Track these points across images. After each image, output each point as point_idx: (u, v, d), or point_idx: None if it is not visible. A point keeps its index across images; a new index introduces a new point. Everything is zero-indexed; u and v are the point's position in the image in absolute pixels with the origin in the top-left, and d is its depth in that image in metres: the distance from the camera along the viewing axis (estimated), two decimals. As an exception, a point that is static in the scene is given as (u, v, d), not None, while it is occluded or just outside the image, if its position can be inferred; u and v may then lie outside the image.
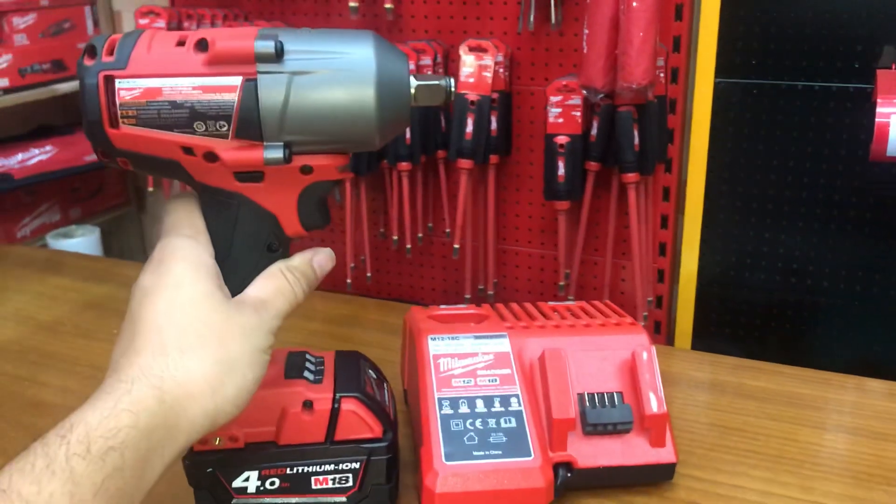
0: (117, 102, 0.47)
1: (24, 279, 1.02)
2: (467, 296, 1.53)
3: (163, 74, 0.47)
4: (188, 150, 0.48)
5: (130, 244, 2.13)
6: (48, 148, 1.90)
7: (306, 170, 0.50)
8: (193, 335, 0.45)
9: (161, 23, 1.46)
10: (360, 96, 0.48)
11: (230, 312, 0.47)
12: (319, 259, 0.54)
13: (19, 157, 1.85)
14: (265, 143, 0.49)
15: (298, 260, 0.53)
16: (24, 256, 1.16)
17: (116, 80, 0.47)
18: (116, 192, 2.13)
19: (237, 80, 0.47)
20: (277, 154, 0.49)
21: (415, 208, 1.53)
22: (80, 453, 0.39)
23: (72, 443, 0.39)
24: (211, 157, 0.49)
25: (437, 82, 0.51)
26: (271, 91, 0.48)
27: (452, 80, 0.52)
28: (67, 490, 0.38)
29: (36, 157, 1.88)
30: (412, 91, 0.51)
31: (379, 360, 0.63)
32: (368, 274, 1.59)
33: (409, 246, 1.53)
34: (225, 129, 0.48)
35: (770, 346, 1.44)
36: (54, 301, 0.95)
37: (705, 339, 1.47)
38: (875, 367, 1.39)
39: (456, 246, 1.47)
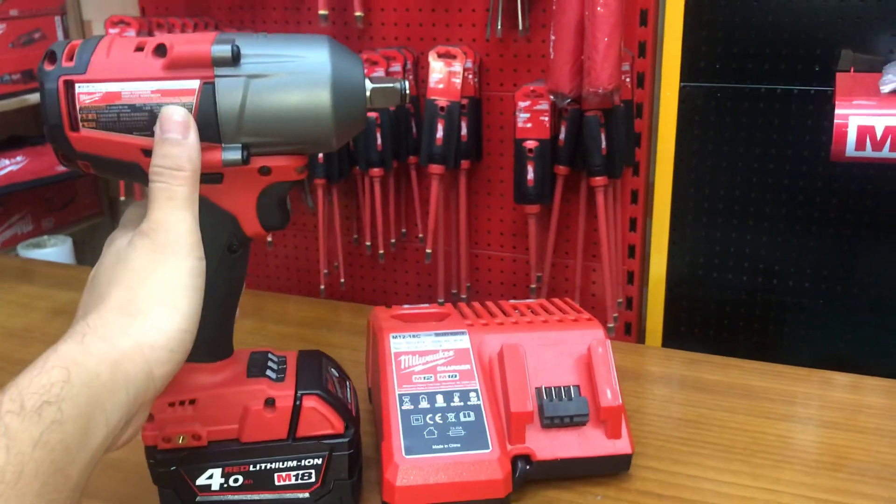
0: (77, 106, 0.48)
1: (-6, 288, 1.02)
2: (440, 300, 1.55)
3: (122, 79, 0.49)
4: (148, 152, 0.49)
5: (104, 254, 2.13)
6: (19, 158, 1.89)
7: (265, 171, 0.52)
8: (110, 296, 0.47)
9: (131, 32, 1.46)
10: (315, 98, 0.50)
11: (130, 257, 0.48)
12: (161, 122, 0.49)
13: (-10, 167, 1.85)
14: (223, 145, 0.50)
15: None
16: (-6, 265, 1.16)
17: (76, 85, 0.48)
18: (89, 202, 2.12)
19: (195, 84, 0.49)
20: (236, 155, 0.50)
21: (387, 214, 1.54)
22: (14, 410, 0.39)
23: (4, 402, 0.39)
24: (170, 159, 0.50)
25: (391, 85, 0.53)
26: (229, 94, 0.49)
27: (407, 83, 0.53)
28: (3, 444, 0.37)
29: (7, 167, 1.87)
30: (367, 93, 0.52)
31: (348, 361, 0.64)
32: (342, 280, 1.60)
33: (381, 251, 1.54)
34: (184, 131, 0.49)
35: (739, 345, 1.47)
36: (24, 309, 0.95)
37: (675, 339, 1.49)
38: (841, 364, 1.41)
39: (428, 251, 1.48)
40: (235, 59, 0.49)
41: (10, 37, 1.84)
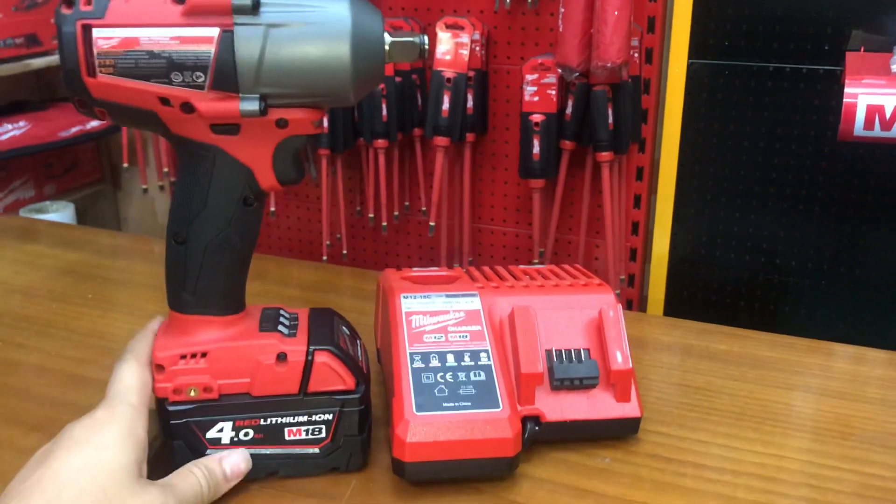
0: (95, 51, 0.48)
1: (-1, 247, 1.02)
2: (442, 273, 1.55)
3: (140, 24, 0.48)
4: (165, 100, 0.49)
5: (105, 220, 2.12)
6: (21, 123, 1.88)
7: (282, 123, 0.51)
8: (90, 500, 0.46)
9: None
10: (335, 50, 0.49)
11: (135, 489, 0.48)
12: (231, 460, 0.55)
13: (-8, 131, 1.84)
14: (241, 95, 0.49)
15: (209, 458, 0.54)
16: (-2, 226, 1.15)
17: (94, 29, 0.48)
18: (91, 168, 2.12)
19: (214, 32, 0.48)
20: (253, 106, 0.49)
21: (391, 186, 1.54)
22: None
23: None
24: (187, 107, 0.49)
25: (411, 39, 0.52)
26: (248, 43, 0.48)
27: (426, 38, 0.53)
28: None
29: (9, 132, 1.86)
30: (386, 47, 0.52)
31: (354, 324, 0.64)
32: (344, 251, 1.60)
33: (384, 224, 1.54)
34: (202, 80, 0.49)
35: (740, 323, 1.45)
36: (28, 267, 0.95)
37: (676, 316, 1.49)
38: (841, 343, 1.42)
39: (432, 224, 1.48)
40: (255, 7, 0.48)
41: (12, 1, 1.83)
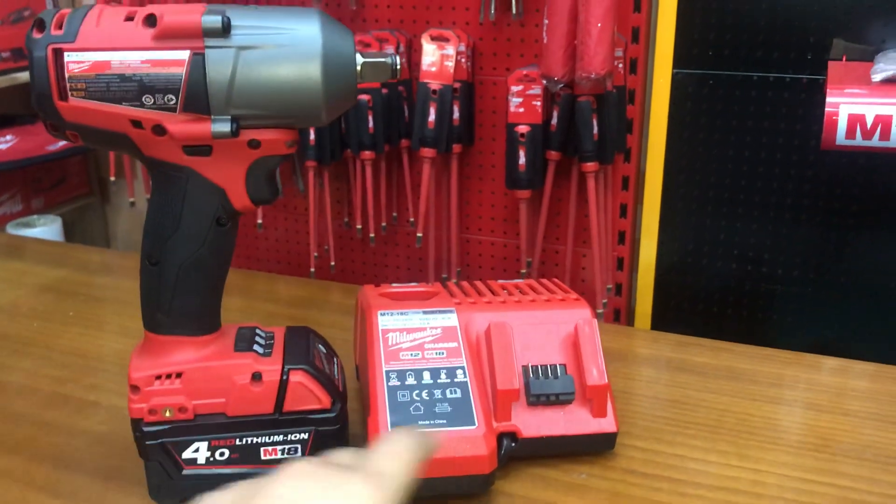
0: (66, 75, 0.48)
1: (-18, 264, 1.02)
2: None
3: (112, 48, 0.48)
4: (137, 123, 0.49)
5: (93, 234, 2.12)
6: (9, 137, 1.88)
7: (254, 144, 0.51)
8: None
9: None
10: (306, 71, 0.50)
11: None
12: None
13: (-21, 146, 1.84)
14: (213, 117, 0.50)
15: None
16: (-18, 243, 1.15)
17: (65, 53, 0.48)
18: (79, 182, 2.11)
19: (185, 55, 0.48)
20: (225, 127, 0.50)
21: (378, 197, 1.54)
22: None
23: None
24: (159, 130, 0.50)
25: (382, 59, 0.53)
26: (218, 65, 0.49)
27: (398, 58, 0.53)
28: None
29: (-3, 146, 1.87)
30: (358, 67, 0.52)
31: (337, 340, 0.64)
32: (332, 263, 1.60)
33: (372, 235, 1.54)
34: (173, 102, 0.49)
35: (727, 332, 1.47)
36: (11, 284, 0.95)
37: (664, 325, 1.50)
38: (828, 351, 1.43)
39: (419, 235, 1.48)
40: (226, 30, 0.48)
41: (-1, 14, 1.83)
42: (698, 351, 0.77)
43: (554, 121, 1.37)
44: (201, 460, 0.56)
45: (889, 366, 0.75)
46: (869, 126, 1.14)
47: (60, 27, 0.49)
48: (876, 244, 1.36)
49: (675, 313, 1.50)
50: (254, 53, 0.49)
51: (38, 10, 1.91)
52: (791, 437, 0.63)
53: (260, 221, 1.63)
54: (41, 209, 2.01)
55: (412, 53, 1.49)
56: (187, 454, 0.56)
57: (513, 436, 0.59)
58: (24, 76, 1.85)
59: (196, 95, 0.49)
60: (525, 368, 0.60)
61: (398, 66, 0.53)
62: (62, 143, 1.93)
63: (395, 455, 0.41)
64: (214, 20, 0.48)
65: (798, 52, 1.31)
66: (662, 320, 1.50)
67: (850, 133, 1.16)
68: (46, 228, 1.86)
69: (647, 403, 0.68)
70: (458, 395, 0.57)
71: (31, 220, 1.90)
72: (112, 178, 1.65)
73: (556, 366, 0.61)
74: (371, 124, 1.43)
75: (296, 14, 0.50)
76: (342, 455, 0.41)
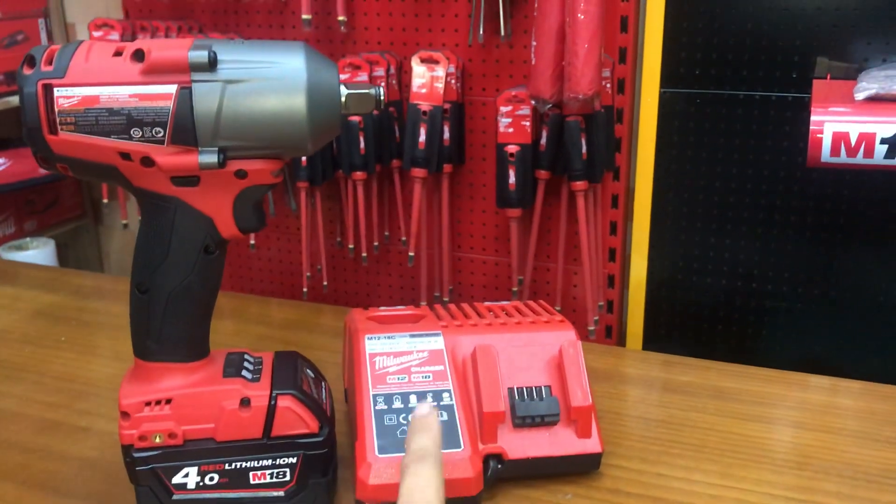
0: (56, 110, 0.49)
1: (-25, 289, 1.02)
2: (423, 303, 1.56)
3: (100, 83, 0.49)
4: (125, 155, 0.50)
5: (87, 256, 2.13)
6: (2, 160, 1.89)
7: (241, 174, 0.53)
8: None
9: (115, 35, 1.47)
10: (291, 104, 0.51)
11: None
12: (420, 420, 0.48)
13: (-27, 168, 1.85)
14: (200, 149, 0.51)
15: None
16: (-24, 267, 1.16)
17: (55, 89, 0.49)
18: (72, 204, 2.12)
19: (172, 88, 0.50)
20: (212, 159, 0.51)
21: (370, 217, 1.55)
22: None
23: None
24: (148, 161, 0.51)
25: (366, 91, 0.54)
26: (205, 99, 0.50)
27: (381, 89, 0.55)
28: None
29: (-10, 169, 1.87)
30: (342, 99, 0.53)
31: (328, 363, 0.65)
32: (325, 283, 1.61)
33: (364, 254, 1.55)
34: (161, 135, 0.50)
35: (718, 347, 1.48)
36: (3, 310, 0.95)
37: (656, 342, 1.51)
38: (818, 366, 1.43)
39: (411, 254, 1.49)
40: (212, 64, 0.50)
41: (-7, 38, 1.84)
42: (683, 370, 0.78)
43: (543, 140, 1.38)
44: (191, 485, 0.57)
45: (875, 384, 0.76)
46: (853, 143, 1.16)
47: (50, 63, 0.50)
48: (864, 259, 1.37)
49: (667, 329, 1.51)
50: (240, 87, 0.50)
51: (31, 35, 1.93)
52: (775, 456, 0.64)
53: (253, 242, 1.64)
54: (34, 231, 2.02)
55: (402, 75, 1.50)
56: (177, 479, 0.56)
57: (499, 457, 0.60)
58: (17, 100, 1.86)
59: (183, 128, 0.50)
60: (511, 390, 0.61)
61: (382, 98, 0.54)
62: (56, 165, 1.94)
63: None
64: (201, 55, 0.49)
65: (783, 70, 1.33)
66: (654, 336, 1.51)
67: (835, 151, 1.18)
68: (40, 251, 1.87)
69: (633, 423, 0.69)
70: (445, 417, 0.58)
71: (25, 243, 1.90)
72: (105, 200, 1.66)
73: (541, 387, 0.61)
74: (362, 145, 1.45)
75: (281, 48, 0.52)
76: None
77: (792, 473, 0.62)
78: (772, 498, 0.59)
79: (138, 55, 0.50)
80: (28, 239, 1.93)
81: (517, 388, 0.61)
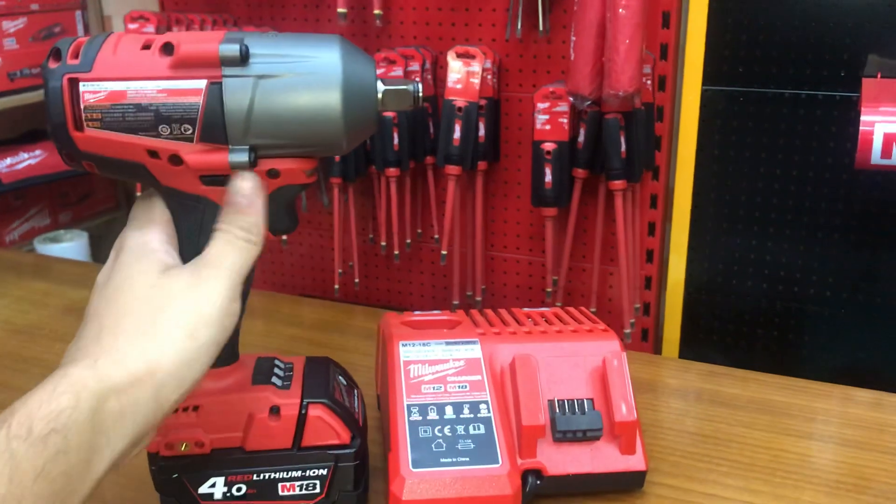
0: (82, 105, 0.47)
1: (7, 284, 1.02)
2: (455, 302, 1.53)
3: (128, 77, 0.47)
4: (153, 153, 0.48)
5: (120, 249, 2.13)
6: (37, 152, 1.90)
7: (273, 174, 0.50)
8: (128, 317, 0.45)
9: (150, 28, 1.46)
10: (326, 100, 0.48)
11: (163, 282, 0.46)
12: (238, 186, 0.49)
13: (8, 161, 1.85)
14: (230, 147, 0.48)
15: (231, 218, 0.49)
16: (9, 261, 1.15)
17: (81, 83, 0.47)
18: (106, 196, 2.13)
19: (202, 84, 0.47)
20: (243, 157, 0.48)
21: (403, 214, 1.53)
22: (22, 435, 0.38)
23: (13, 426, 0.38)
24: (176, 160, 0.49)
25: (404, 87, 0.51)
26: (236, 94, 0.47)
27: (420, 85, 0.52)
28: (6, 472, 0.37)
29: (25, 161, 1.88)
30: (379, 95, 0.50)
31: (360, 366, 0.63)
32: (356, 280, 1.59)
33: (397, 252, 1.53)
34: (190, 132, 0.48)
35: (757, 353, 1.44)
36: (34, 306, 0.94)
37: (693, 346, 1.47)
38: (861, 374, 1.39)
39: (444, 252, 1.47)
40: (244, 58, 0.47)
41: (30, 31, 1.84)
42: (728, 381, 0.74)
43: (581, 138, 1.35)
44: (218, 495, 0.55)
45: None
46: (906, 145, 1.11)
47: (77, 56, 0.48)
48: (912, 265, 1.32)
49: (704, 333, 1.47)
50: (272, 82, 0.48)
51: (68, 27, 1.93)
52: (829, 476, 0.61)
53: (285, 238, 1.63)
54: (68, 223, 2.03)
55: (438, 70, 1.48)
56: (203, 489, 0.54)
57: (538, 473, 0.57)
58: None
59: (213, 125, 0.48)
60: (551, 403, 0.58)
61: (420, 94, 0.52)
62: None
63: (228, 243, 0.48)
64: (232, 49, 0.47)
65: (831, 68, 1.29)
66: (691, 340, 1.47)
67: (886, 153, 1.13)
68: (74, 244, 1.87)
69: (676, 437, 0.66)
70: (482, 431, 0.56)
71: (59, 235, 1.91)
72: (138, 193, 1.65)
73: (583, 400, 0.59)
74: (396, 141, 1.42)
75: (316, 41, 0.49)
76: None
77: (850, 497, 0.58)
78: (828, 523, 0.56)
79: (167, 48, 0.48)
80: (62, 231, 1.94)
81: (558, 401, 0.58)
